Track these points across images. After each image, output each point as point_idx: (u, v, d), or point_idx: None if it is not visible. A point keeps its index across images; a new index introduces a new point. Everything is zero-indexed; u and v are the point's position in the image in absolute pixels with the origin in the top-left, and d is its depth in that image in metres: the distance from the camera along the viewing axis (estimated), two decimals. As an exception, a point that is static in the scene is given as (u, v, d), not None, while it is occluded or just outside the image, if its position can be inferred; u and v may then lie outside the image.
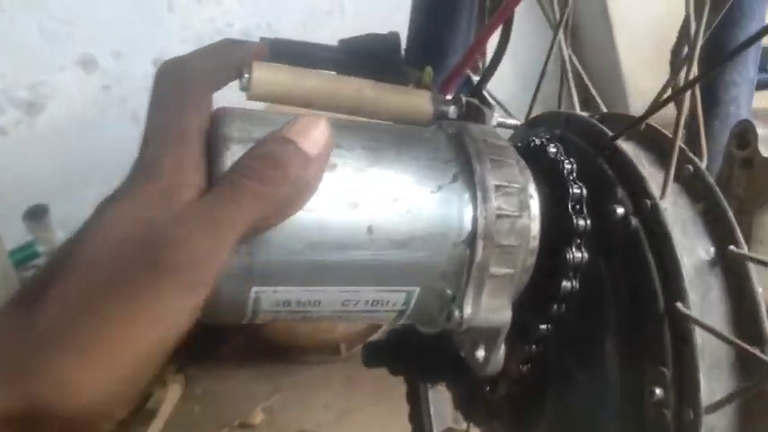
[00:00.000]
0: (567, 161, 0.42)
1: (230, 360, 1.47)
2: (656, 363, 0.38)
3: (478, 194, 0.36)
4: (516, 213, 0.37)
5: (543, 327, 0.41)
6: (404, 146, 0.37)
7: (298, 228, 0.34)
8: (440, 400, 0.85)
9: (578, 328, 0.42)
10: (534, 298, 0.41)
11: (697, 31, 0.38)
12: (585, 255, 0.40)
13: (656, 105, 0.42)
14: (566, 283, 0.39)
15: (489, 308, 0.38)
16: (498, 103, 0.47)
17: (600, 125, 0.46)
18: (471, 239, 0.36)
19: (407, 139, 0.38)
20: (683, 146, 0.43)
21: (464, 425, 0.86)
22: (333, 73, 0.43)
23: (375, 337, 1.39)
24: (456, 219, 0.36)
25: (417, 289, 0.37)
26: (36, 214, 1.42)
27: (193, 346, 1.23)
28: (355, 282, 0.36)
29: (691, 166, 0.42)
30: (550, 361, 0.44)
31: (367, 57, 0.50)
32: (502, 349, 0.39)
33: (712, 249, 0.40)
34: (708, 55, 0.40)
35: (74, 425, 0.24)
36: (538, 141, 0.44)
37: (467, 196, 0.37)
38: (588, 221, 0.40)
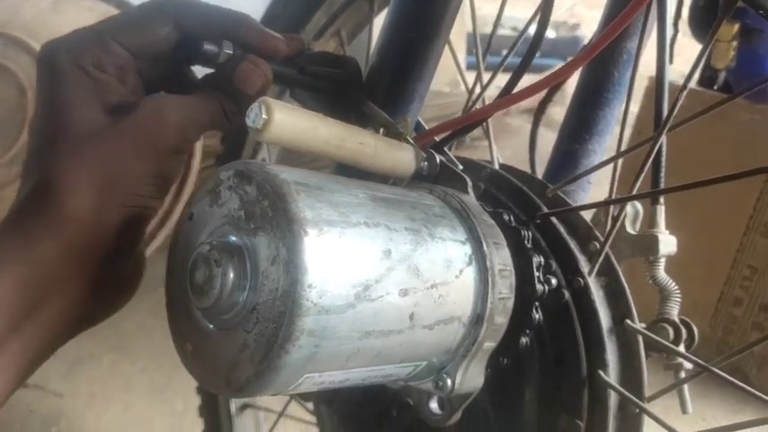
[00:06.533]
0: (524, 229, 0.47)
1: None
2: (572, 416, 0.46)
3: (490, 280, 0.40)
4: (509, 296, 0.41)
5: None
6: (431, 225, 0.39)
7: (360, 317, 0.33)
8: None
9: (500, 377, 0.48)
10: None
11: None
12: (541, 316, 0.46)
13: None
14: (523, 340, 0.45)
15: (471, 376, 0.42)
16: (454, 160, 0.49)
17: (530, 193, 0.52)
18: (477, 321, 0.40)
19: (430, 217, 0.39)
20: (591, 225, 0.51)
21: (259, 400, 0.88)
22: (332, 119, 0.41)
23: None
24: (470, 302, 0.39)
25: (424, 363, 0.39)
26: None
27: None
28: (384, 362, 0.37)
29: (597, 243, 0.50)
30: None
31: (328, 81, 0.48)
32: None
33: (610, 319, 0.49)
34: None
35: None
36: (488, 208, 0.48)
37: (478, 279, 0.40)
38: (546, 287, 0.46)
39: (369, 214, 0.35)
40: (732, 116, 1.12)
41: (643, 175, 0.47)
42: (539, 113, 0.69)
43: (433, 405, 0.45)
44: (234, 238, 0.33)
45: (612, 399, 0.46)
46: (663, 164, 0.50)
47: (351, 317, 0.33)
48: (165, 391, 1.15)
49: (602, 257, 0.48)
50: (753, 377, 1.25)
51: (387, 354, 0.36)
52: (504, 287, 0.41)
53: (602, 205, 0.50)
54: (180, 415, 1.10)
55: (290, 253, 0.31)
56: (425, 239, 0.37)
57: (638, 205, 0.59)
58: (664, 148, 0.49)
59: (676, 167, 0.59)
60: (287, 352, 0.31)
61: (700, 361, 0.46)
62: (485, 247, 0.40)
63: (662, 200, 0.57)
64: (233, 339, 0.33)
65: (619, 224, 0.49)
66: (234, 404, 0.84)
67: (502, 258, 0.41)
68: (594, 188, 0.66)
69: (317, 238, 0.32)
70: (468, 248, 0.40)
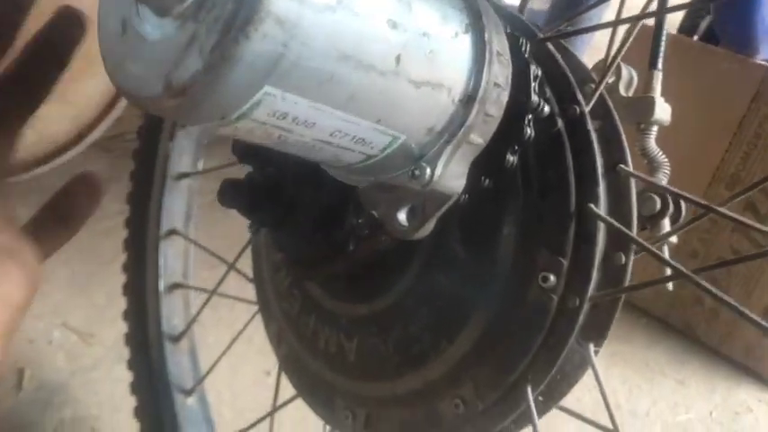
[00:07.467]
0: (522, 37, 0.41)
1: None
2: (555, 253, 0.41)
3: (487, 56, 0.34)
4: (504, 87, 0.36)
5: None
6: (428, -27, 0.32)
7: (339, 32, 0.27)
8: (171, 253, 0.79)
9: (473, 209, 0.43)
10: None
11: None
12: (533, 132, 0.40)
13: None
14: (510, 158, 0.39)
15: (453, 174, 0.36)
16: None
17: (526, 20, 0.46)
18: (468, 101, 0.34)
19: None
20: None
21: (191, 281, 0.81)
22: None
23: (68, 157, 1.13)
24: (463, 76, 0.33)
25: (403, 137, 0.33)
26: None
27: None
28: (360, 111, 0.31)
29: (593, 85, 0.45)
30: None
31: None
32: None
33: (602, 165, 0.44)
34: None
35: None
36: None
37: (474, 53, 0.34)
38: (541, 101, 0.40)
39: None
40: (712, 64, 1.09)
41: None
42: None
43: (402, 216, 0.39)
44: None
45: (600, 240, 0.41)
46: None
47: (329, 25, 0.27)
48: (87, 286, 1.06)
49: (603, 84, 0.43)
50: (701, 332, 1.24)
51: (364, 100, 0.30)
52: (501, 75, 0.35)
53: (608, 26, 0.45)
54: (100, 308, 1.01)
55: None
56: None
57: (633, 71, 0.54)
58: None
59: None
60: (247, 37, 0.24)
61: (702, 201, 0.41)
62: (484, 20, 0.34)
63: (660, 65, 0.53)
64: (179, 37, 0.26)
65: (625, 49, 0.44)
66: (162, 282, 0.77)
67: (500, 43, 0.35)
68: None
69: None
70: (465, 17, 0.34)
